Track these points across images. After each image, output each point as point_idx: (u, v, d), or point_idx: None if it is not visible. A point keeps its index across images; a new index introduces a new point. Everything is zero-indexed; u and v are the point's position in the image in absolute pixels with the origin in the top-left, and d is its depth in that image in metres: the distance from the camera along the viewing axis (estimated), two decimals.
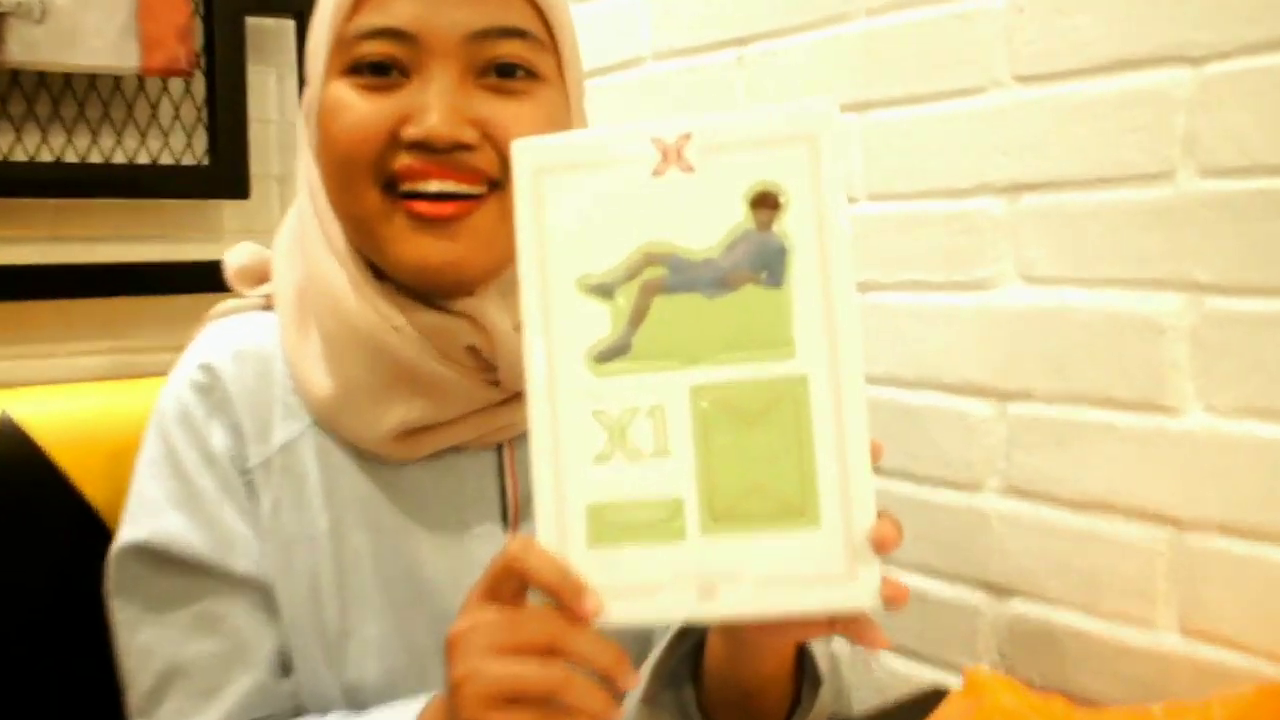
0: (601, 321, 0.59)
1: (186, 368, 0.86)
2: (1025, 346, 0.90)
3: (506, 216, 0.71)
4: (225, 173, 1.52)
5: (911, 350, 0.98)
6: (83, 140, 1.45)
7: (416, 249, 0.79)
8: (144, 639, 0.84)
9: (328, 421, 0.84)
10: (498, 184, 0.80)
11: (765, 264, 0.58)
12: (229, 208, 1.58)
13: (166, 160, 1.50)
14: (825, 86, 1.05)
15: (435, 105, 0.78)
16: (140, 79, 1.47)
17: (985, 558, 0.95)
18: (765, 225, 0.58)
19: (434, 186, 0.79)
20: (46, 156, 1.43)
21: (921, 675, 1.00)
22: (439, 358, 0.81)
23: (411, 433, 0.82)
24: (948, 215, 0.95)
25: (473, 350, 0.81)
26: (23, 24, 1.35)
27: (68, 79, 1.43)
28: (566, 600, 0.59)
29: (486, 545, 0.83)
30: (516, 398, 0.84)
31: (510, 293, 0.82)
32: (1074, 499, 0.89)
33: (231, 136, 1.52)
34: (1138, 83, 0.82)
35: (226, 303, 0.90)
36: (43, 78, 1.41)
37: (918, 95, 0.97)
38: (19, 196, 1.42)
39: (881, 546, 0.59)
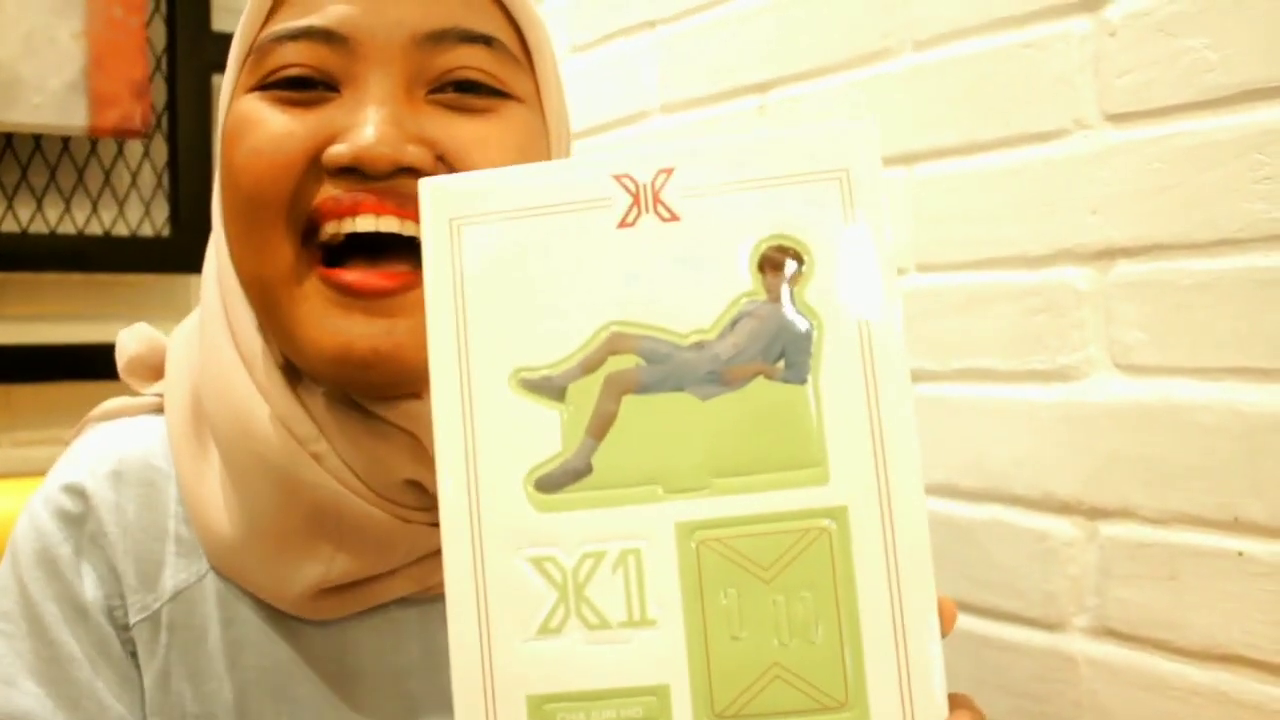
0: (548, 432, 0.42)
1: (51, 490, 0.66)
2: (1122, 451, 0.72)
3: None
4: (189, 244, 1.37)
5: (975, 455, 0.80)
6: (25, 209, 1.31)
7: (336, 332, 0.59)
8: None
9: (228, 569, 0.65)
10: None
11: (782, 350, 0.41)
12: (194, 283, 1.43)
13: (122, 231, 1.36)
14: None
15: (371, 119, 0.59)
16: (92, 141, 1.32)
17: (1073, 715, 0.76)
18: (780, 296, 0.41)
19: (359, 226, 0.59)
20: None
21: None
22: (371, 496, 0.62)
23: (334, 590, 0.64)
24: (1020, 289, 0.78)
25: (414, 484, 0.62)
26: None
27: (8, 139, 1.29)
28: None
29: (432, 716, 0.65)
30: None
31: None
32: (1188, 646, 0.70)
33: (196, 204, 1.37)
34: (1269, 118, 0.65)
35: (113, 401, 0.71)
36: None
37: (979, 143, 0.80)
38: None
39: None
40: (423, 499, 0.63)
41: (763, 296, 0.41)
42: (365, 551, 0.63)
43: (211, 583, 0.66)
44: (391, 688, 0.65)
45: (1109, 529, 0.74)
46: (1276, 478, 0.66)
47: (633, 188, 0.41)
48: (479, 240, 0.43)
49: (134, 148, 1.37)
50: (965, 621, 0.83)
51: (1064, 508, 0.76)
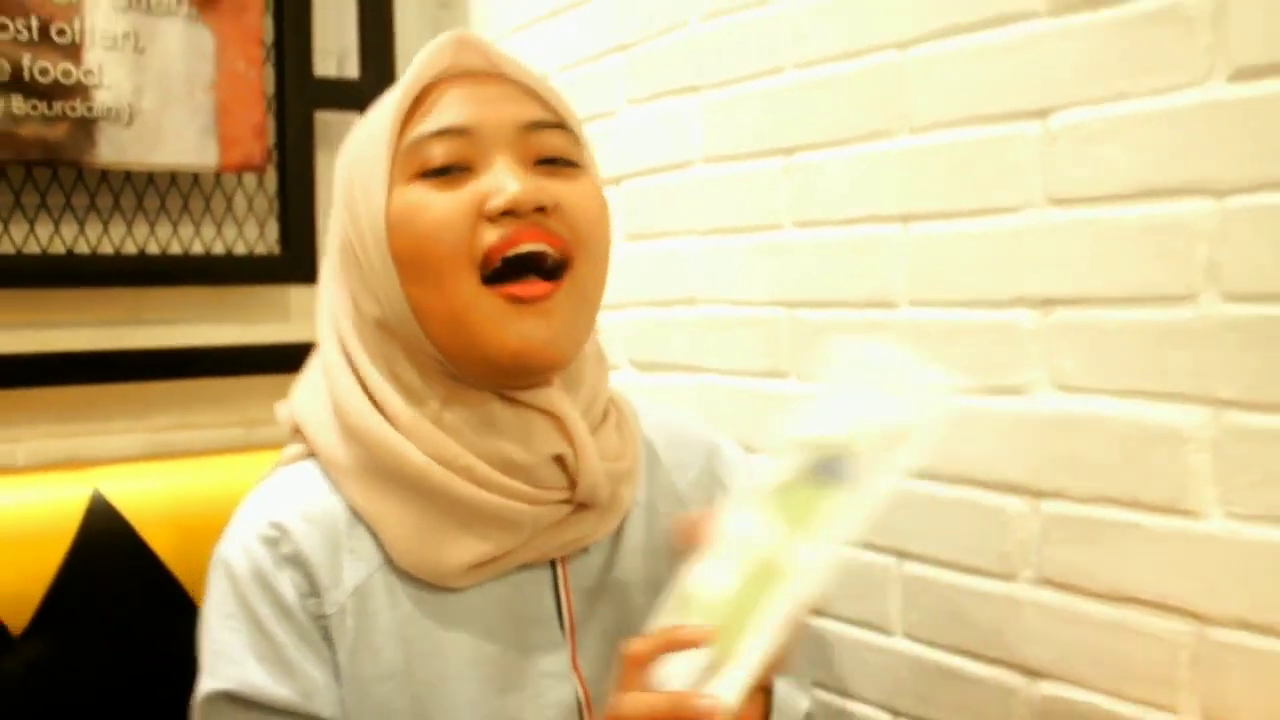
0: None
1: (254, 523, 0.89)
2: (1057, 449, 0.98)
3: (578, 300, 0.89)
4: (295, 260, 1.61)
5: (951, 449, 1.05)
6: (164, 231, 1.55)
7: (518, 332, 0.85)
8: None
9: (400, 559, 0.88)
10: (569, 260, 0.88)
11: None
12: (295, 291, 1.67)
13: (240, 249, 1.60)
14: (870, 197, 1.13)
15: (510, 179, 0.85)
16: (217, 175, 1.57)
17: (1019, 642, 1.02)
18: None
19: (526, 248, 0.85)
20: (131, 248, 1.53)
21: None
22: (509, 489, 0.86)
23: (476, 565, 0.88)
24: (984, 325, 1.03)
25: (558, 459, 0.88)
26: (113, 127, 1.45)
27: (150, 175, 1.53)
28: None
29: (550, 657, 0.90)
30: (580, 509, 0.91)
31: (573, 387, 0.93)
32: (1102, 591, 0.95)
33: (300, 226, 1.61)
34: (1163, 211, 0.89)
35: (293, 448, 0.95)
36: (128, 175, 1.51)
37: (958, 211, 1.05)
38: (103, 286, 1.52)
39: None
40: (560, 476, 0.88)
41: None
42: (501, 536, 0.88)
43: (379, 577, 0.88)
44: (515, 633, 0.89)
45: (1047, 506, 0.99)
46: (1164, 471, 0.90)
47: None
48: None
49: (250, 179, 1.62)
50: (944, 574, 1.08)
51: (1015, 489, 1.01)
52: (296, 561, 0.87)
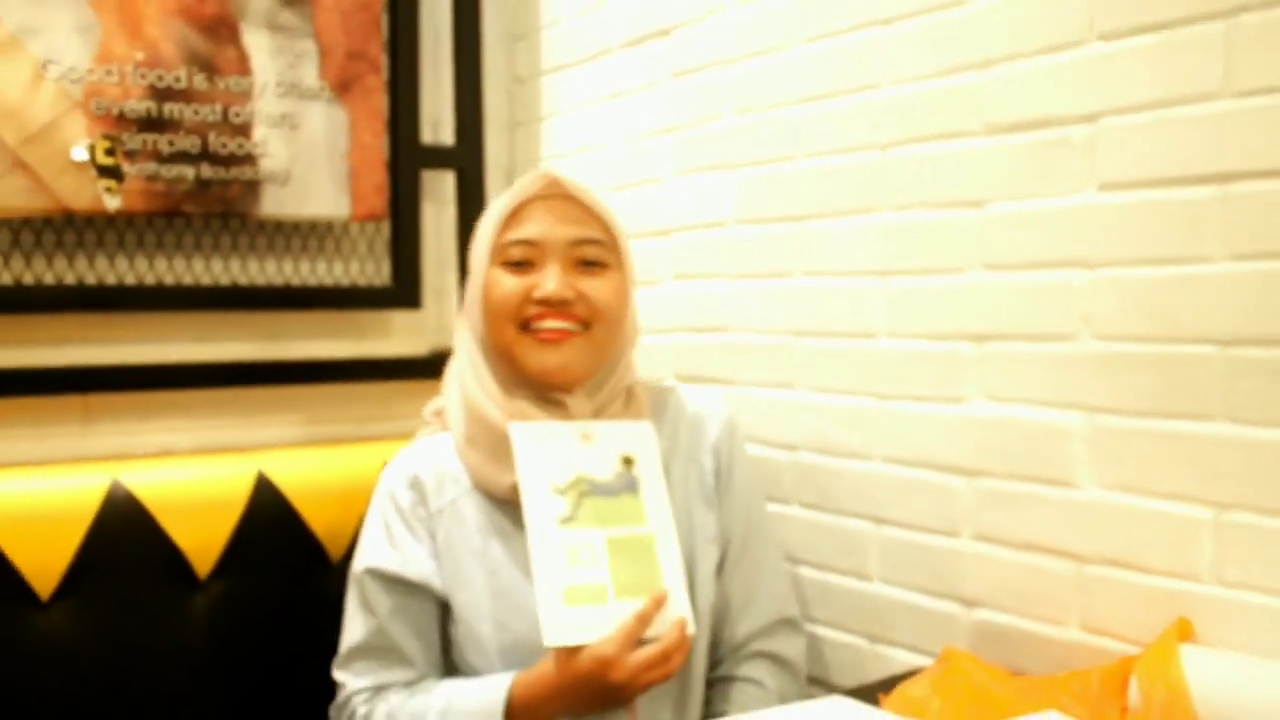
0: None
1: (396, 467, 1.44)
2: (986, 442, 1.36)
3: (590, 347, 1.38)
4: (403, 291, 2.00)
5: (910, 441, 1.45)
6: (305, 267, 1.95)
7: (541, 359, 1.37)
8: (355, 620, 1.40)
9: (477, 480, 1.39)
10: (588, 325, 1.37)
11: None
12: (399, 315, 2.06)
13: (361, 281, 1.99)
14: (858, 256, 1.52)
15: (552, 280, 1.36)
16: (347, 224, 1.96)
17: (960, 581, 1.40)
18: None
19: (548, 324, 1.36)
20: (279, 280, 1.93)
21: (914, 660, 1.45)
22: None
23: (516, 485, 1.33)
24: (938, 353, 1.42)
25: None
26: (273, 186, 1.84)
27: (297, 224, 1.93)
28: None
29: None
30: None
31: (593, 394, 1.41)
32: (1016, 543, 1.33)
33: (407, 263, 2.00)
34: (1052, 277, 1.28)
35: (428, 428, 1.50)
36: (280, 224, 1.91)
37: (921, 269, 1.44)
38: (257, 310, 1.91)
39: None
40: None
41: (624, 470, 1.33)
42: None
43: (468, 496, 1.40)
44: None
45: (979, 482, 1.38)
46: (1056, 456, 1.29)
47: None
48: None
49: (371, 226, 2.01)
50: (905, 534, 1.46)
51: (957, 471, 1.40)
52: (415, 486, 1.41)
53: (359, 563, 1.41)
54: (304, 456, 1.78)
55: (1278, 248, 1.09)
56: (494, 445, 1.36)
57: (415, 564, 1.38)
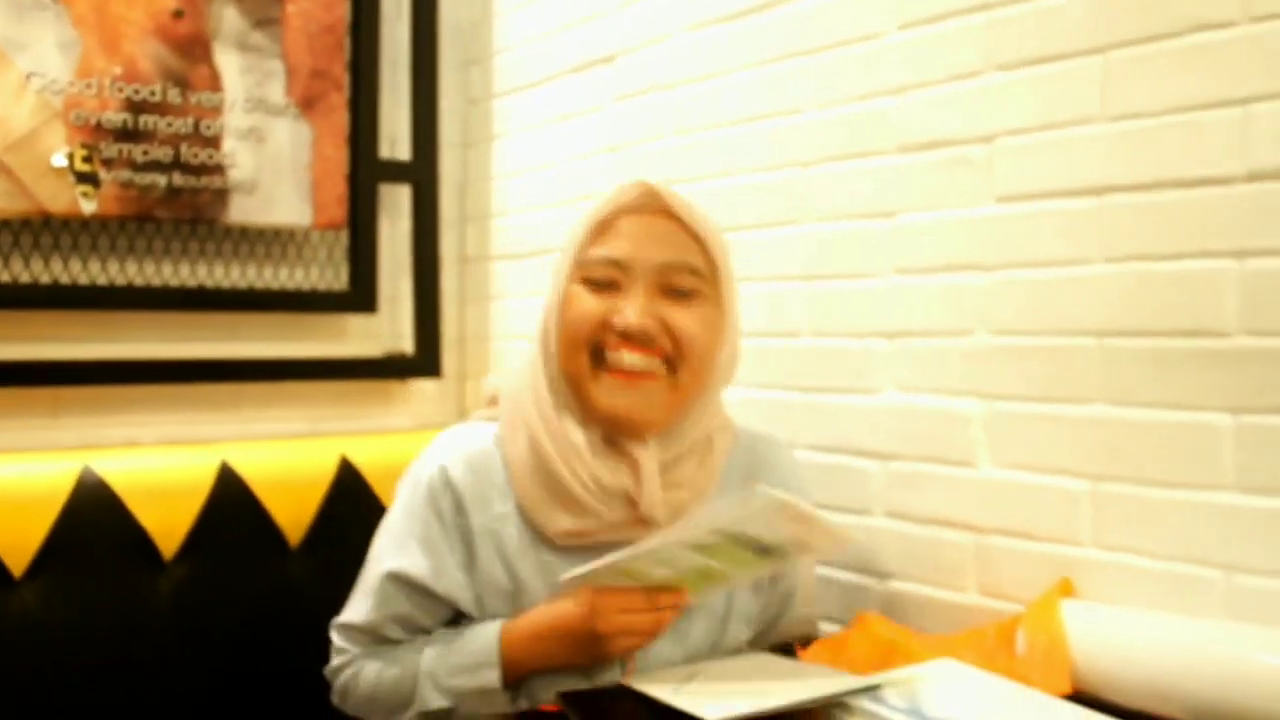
0: None
1: (436, 458, 1.29)
2: (896, 428, 1.51)
3: (673, 390, 1.23)
4: (360, 296, 2.11)
5: (832, 430, 1.59)
6: (268, 272, 2.06)
7: (613, 400, 1.22)
8: (365, 602, 1.29)
9: (527, 513, 1.26)
10: (673, 365, 1.22)
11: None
12: (355, 318, 2.17)
13: (320, 286, 2.11)
14: (785, 261, 1.66)
15: (634, 307, 1.22)
16: (308, 232, 2.08)
17: (875, 556, 1.53)
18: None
19: (626, 360, 1.22)
20: (243, 284, 2.04)
21: (833, 630, 1.57)
22: (600, 496, 1.23)
23: (572, 533, 1.25)
24: (854, 349, 1.56)
25: (626, 495, 1.24)
26: (240, 195, 1.96)
27: (260, 231, 2.04)
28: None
29: None
30: (643, 523, 1.25)
31: (666, 446, 1.26)
32: (923, 518, 1.48)
33: (365, 270, 2.11)
34: (954, 280, 1.44)
35: (479, 413, 1.40)
36: (244, 230, 2.03)
37: (841, 274, 1.59)
38: (223, 310, 2.01)
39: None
40: (624, 504, 1.24)
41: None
42: (586, 518, 1.23)
43: (514, 515, 1.27)
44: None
45: (891, 465, 1.52)
46: (957, 440, 1.43)
47: None
48: None
49: (330, 234, 2.13)
50: (834, 515, 1.60)
51: (871, 455, 1.54)
52: (457, 493, 1.27)
53: (386, 560, 1.29)
54: (265, 448, 1.88)
55: (1145, 251, 1.25)
56: (554, 491, 1.25)
57: (446, 576, 1.27)
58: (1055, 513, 1.34)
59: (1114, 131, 1.28)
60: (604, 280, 1.24)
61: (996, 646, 1.31)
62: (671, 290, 1.24)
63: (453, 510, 1.27)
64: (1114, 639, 1.23)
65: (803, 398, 1.64)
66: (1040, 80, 1.35)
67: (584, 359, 1.24)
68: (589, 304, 1.24)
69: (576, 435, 1.24)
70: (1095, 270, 1.30)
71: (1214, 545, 1.20)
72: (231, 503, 1.77)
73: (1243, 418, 1.18)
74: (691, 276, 1.25)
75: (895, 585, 1.52)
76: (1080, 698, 1.17)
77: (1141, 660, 1.19)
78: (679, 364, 1.23)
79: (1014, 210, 1.38)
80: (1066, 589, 1.31)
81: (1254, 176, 1.17)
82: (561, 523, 1.24)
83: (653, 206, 1.25)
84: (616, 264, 1.24)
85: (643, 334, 1.22)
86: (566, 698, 1.16)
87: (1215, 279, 1.20)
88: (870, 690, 1.11)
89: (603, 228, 1.26)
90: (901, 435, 1.51)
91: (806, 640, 1.45)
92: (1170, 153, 1.23)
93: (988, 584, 1.41)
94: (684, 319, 1.24)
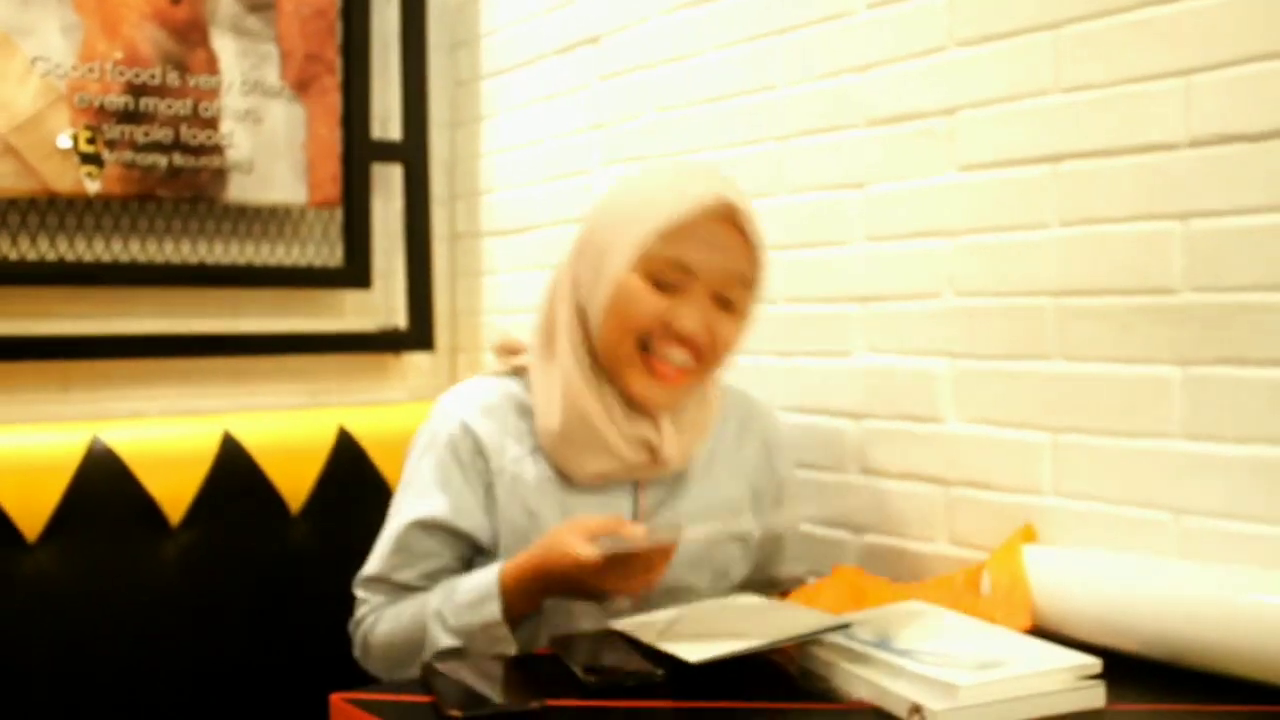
0: None
1: (454, 408, 1.38)
2: (870, 388, 1.59)
3: (699, 381, 1.34)
4: (354, 272, 2.19)
5: (808, 391, 1.67)
6: (266, 248, 2.13)
7: (649, 391, 1.32)
8: (387, 554, 1.36)
9: (551, 455, 1.34)
10: (705, 363, 1.32)
11: None
12: (350, 294, 2.24)
13: (316, 262, 2.18)
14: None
15: (691, 317, 1.30)
16: (304, 209, 2.15)
17: (851, 511, 1.61)
18: None
19: (670, 358, 1.31)
20: (241, 260, 2.11)
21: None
22: (629, 443, 1.34)
23: (599, 475, 1.35)
24: (829, 314, 1.64)
25: (645, 440, 1.35)
26: (239, 175, 2.03)
27: (258, 209, 2.11)
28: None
29: None
30: (658, 465, 1.37)
31: (679, 423, 1.37)
32: (895, 473, 1.56)
33: (359, 247, 2.19)
34: (923, 246, 1.52)
35: (497, 366, 1.46)
36: (243, 208, 2.10)
37: (815, 242, 1.66)
38: (223, 286, 2.09)
39: None
40: (648, 454, 1.35)
41: None
42: (612, 462, 1.34)
43: (531, 459, 1.35)
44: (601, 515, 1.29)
45: (864, 423, 1.60)
46: (926, 397, 1.51)
47: None
48: None
49: (325, 212, 2.19)
50: (805, 473, 1.67)
51: (846, 414, 1.61)
52: (475, 439, 1.35)
53: (406, 510, 1.36)
54: (267, 419, 1.94)
55: (1097, 214, 1.33)
56: (589, 440, 1.33)
57: (467, 514, 1.35)
58: (1018, 464, 1.42)
59: (1067, 102, 1.35)
60: (669, 282, 1.30)
61: (963, 590, 1.39)
62: (722, 299, 1.32)
63: (472, 453, 1.35)
64: (1071, 578, 1.30)
65: (780, 361, 1.72)
66: (999, 55, 1.42)
67: (630, 346, 1.31)
68: (652, 301, 1.30)
69: (610, 396, 1.34)
70: (1052, 234, 1.38)
71: (1164, 489, 1.28)
72: (234, 471, 1.82)
73: (1190, 369, 1.26)
74: (741, 288, 1.34)
75: (870, 539, 1.59)
76: (1040, 633, 1.24)
77: (1096, 597, 1.26)
78: (711, 363, 1.34)
79: (976, 179, 1.46)
80: (1029, 534, 1.39)
81: (1196, 142, 1.24)
82: (590, 466, 1.34)
83: (727, 218, 1.30)
84: (686, 270, 1.29)
85: (695, 339, 1.31)
86: (557, 641, 1.24)
87: (1162, 240, 1.27)
88: (842, 629, 1.18)
89: (677, 229, 1.28)
90: (874, 394, 1.58)
91: (785, 591, 1.53)
92: (1119, 121, 1.31)
93: (957, 534, 1.49)
94: (729, 329, 1.34)
